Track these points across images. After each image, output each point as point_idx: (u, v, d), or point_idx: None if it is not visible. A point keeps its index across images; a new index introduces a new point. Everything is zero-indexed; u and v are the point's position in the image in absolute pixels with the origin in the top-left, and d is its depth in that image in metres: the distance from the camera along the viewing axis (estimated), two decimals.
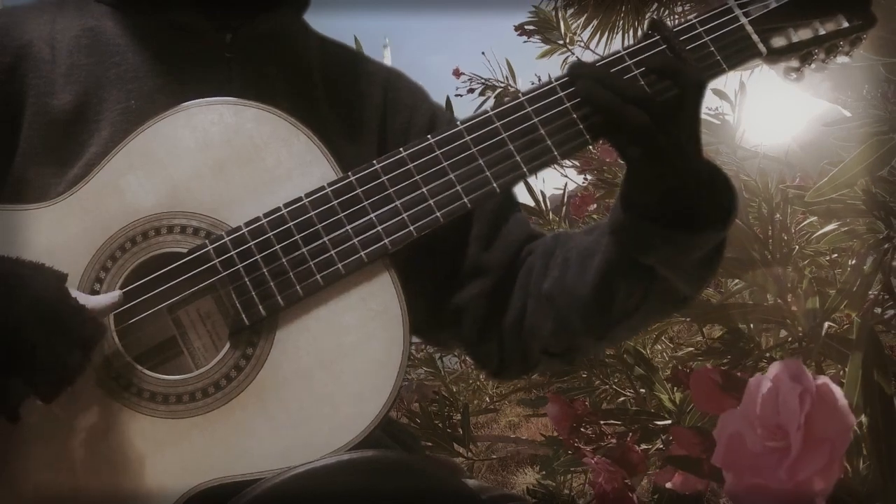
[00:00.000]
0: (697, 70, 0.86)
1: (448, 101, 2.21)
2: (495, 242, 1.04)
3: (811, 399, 0.61)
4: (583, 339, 0.99)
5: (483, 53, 2.52)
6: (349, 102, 1.06)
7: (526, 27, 2.40)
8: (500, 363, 1.06)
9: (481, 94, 2.60)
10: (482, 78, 2.56)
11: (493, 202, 1.04)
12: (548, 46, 2.42)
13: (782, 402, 0.62)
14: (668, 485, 0.87)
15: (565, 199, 2.32)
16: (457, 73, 2.58)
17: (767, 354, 1.39)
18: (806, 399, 0.61)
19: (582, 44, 2.35)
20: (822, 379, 0.63)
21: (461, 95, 2.61)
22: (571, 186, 2.33)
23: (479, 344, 1.04)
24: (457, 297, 1.03)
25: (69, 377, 0.73)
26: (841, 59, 0.91)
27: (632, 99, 0.83)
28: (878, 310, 1.38)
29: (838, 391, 0.62)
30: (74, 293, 0.76)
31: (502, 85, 2.55)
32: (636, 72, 0.86)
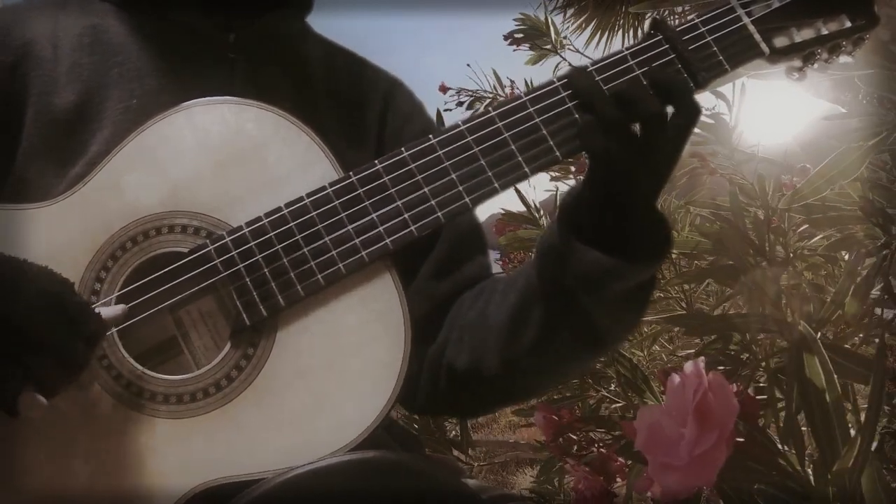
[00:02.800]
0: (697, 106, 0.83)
1: (439, 114, 2.20)
2: (449, 277, 1.02)
3: (703, 390, 0.75)
4: (493, 376, 0.93)
5: (469, 65, 2.51)
6: (351, 106, 1.06)
7: (515, 35, 2.39)
8: (415, 396, 1.01)
9: (469, 106, 2.59)
10: (469, 91, 2.55)
11: (463, 232, 1.03)
12: (537, 52, 2.40)
13: (687, 394, 0.76)
14: (648, 494, 0.87)
15: (558, 203, 2.31)
16: (443, 89, 2.58)
17: (764, 363, 1.39)
18: (699, 390, 0.75)
19: (571, 47, 2.33)
20: (715, 375, 0.76)
21: (450, 110, 2.60)
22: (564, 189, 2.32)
23: None
24: None
25: (72, 371, 0.73)
26: (844, 58, 0.91)
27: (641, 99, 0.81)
28: (879, 311, 1.38)
29: (727, 385, 0.76)
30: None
31: (490, 95, 2.54)
32: (638, 72, 0.86)
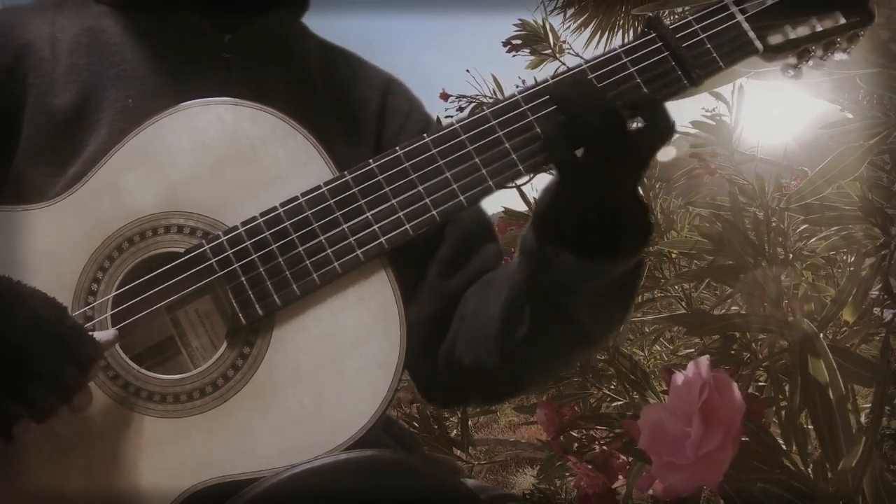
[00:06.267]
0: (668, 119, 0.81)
1: (439, 121, 2.22)
2: (459, 272, 1.02)
3: (709, 388, 0.74)
4: (494, 369, 0.94)
5: (468, 71, 2.52)
6: (348, 106, 1.06)
7: (513, 42, 2.39)
8: (430, 386, 1.04)
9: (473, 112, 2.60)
10: (468, 97, 2.56)
11: (467, 227, 1.03)
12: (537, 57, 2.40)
13: (692, 393, 0.75)
14: (650, 492, 0.87)
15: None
16: (444, 96, 2.59)
17: (765, 363, 1.38)
18: (705, 389, 0.74)
19: (571, 51, 2.33)
20: (719, 373, 0.76)
21: (451, 117, 2.61)
22: None
23: (416, 365, 1.00)
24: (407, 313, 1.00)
25: (64, 397, 0.72)
26: (839, 56, 0.91)
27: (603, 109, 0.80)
28: (878, 310, 1.37)
29: (732, 383, 0.75)
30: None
31: (491, 100, 2.55)
32: (633, 69, 0.86)
